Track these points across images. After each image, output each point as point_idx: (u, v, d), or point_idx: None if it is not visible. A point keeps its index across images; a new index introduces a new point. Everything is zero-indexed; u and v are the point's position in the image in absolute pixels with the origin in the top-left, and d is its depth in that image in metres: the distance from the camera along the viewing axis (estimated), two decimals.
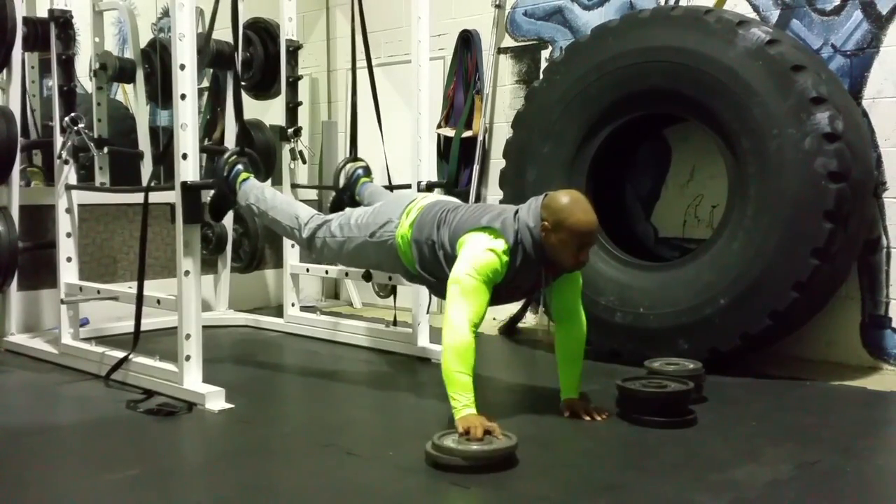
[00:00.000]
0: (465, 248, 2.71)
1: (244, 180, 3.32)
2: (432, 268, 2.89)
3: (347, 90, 5.37)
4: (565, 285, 2.86)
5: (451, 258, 2.77)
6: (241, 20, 4.40)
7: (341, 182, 3.79)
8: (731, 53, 3.37)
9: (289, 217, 3.25)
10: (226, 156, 3.35)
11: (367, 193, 3.66)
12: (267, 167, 4.69)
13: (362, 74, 4.06)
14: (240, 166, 3.34)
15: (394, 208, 3.05)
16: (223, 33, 4.18)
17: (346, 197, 3.75)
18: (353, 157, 3.92)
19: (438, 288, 2.92)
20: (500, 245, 2.66)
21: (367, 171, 3.80)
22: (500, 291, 2.70)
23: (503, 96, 4.70)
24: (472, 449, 2.30)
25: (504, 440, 2.36)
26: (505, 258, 2.65)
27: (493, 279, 2.64)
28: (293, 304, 4.37)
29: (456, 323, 2.57)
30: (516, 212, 2.74)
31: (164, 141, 4.73)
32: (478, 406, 2.50)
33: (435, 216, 2.90)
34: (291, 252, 4.35)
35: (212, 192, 3.39)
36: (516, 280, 2.72)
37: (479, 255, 2.65)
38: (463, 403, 2.49)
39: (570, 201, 2.67)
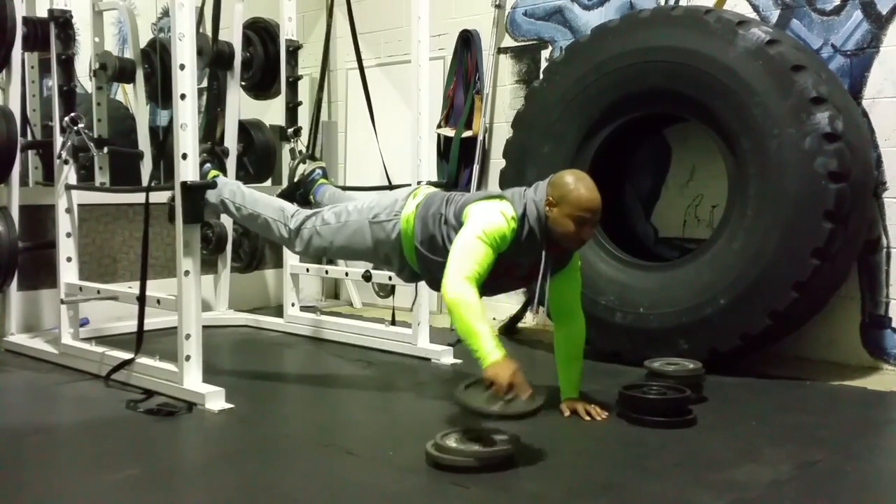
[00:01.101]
0: (473, 213, 2.72)
1: (213, 178, 3.31)
2: (432, 243, 2.85)
3: (347, 90, 5.38)
4: (565, 283, 2.87)
5: (455, 228, 2.77)
6: (242, 20, 4.43)
7: (296, 177, 3.73)
8: (731, 53, 3.37)
9: (274, 210, 3.20)
10: None
11: (328, 195, 3.58)
12: (267, 167, 4.69)
13: (354, 75, 4.06)
14: (208, 165, 3.34)
15: (400, 193, 3.06)
16: (223, 33, 4.19)
17: (298, 194, 3.67)
18: (312, 155, 3.89)
19: (434, 270, 2.85)
20: (510, 210, 2.69)
21: (326, 174, 3.74)
22: (500, 268, 2.69)
23: (503, 96, 4.70)
24: (473, 450, 2.30)
25: (529, 402, 2.33)
26: (513, 224, 2.67)
27: (499, 244, 2.66)
28: (293, 304, 4.37)
29: (455, 279, 2.57)
30: (525, 190, 2.78)
31: (161, 140, 4.73)
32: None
33: (444, 196, 2.93)
34: (292, 252, 4.34)
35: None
36: (518, 255, 2.72)
37: (487, 217, 2.67)
38: (487, 350, 2.45)
39: (575, 178, 2.73)
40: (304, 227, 3.13)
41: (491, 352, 2.46)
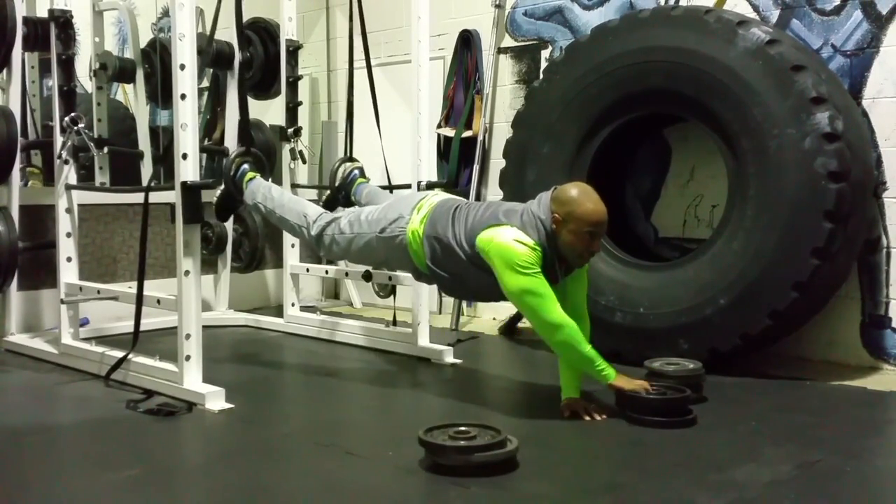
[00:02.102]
0: (496, 248, 2.72)
1: (250, 179, 3.35)
2: (447, 264, 2.90)
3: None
4: (572, 285, 2.89)
5: (469, 256, 2.81)
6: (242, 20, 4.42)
7: (337, 181, 3.80)
8: (731, 53, 3.37)
9: (297, 215, 3.27)
10: (232, 155, 3.39)
11: (365, 194, 3.67)
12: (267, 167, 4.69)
13: (360, 75, 4.06)
14: (246, 165, 3.37)
15: (404, 205, 3.08)
16: (223, 33, 4.18)
17: (341, 196, 3.75)
18: (350, 157, 3.93)
19: (450, 284, 2.96)
20: (525, 237, 2.71)
21: (363, 172, 3.81)
22: None
23: (503, 96, 4.70)
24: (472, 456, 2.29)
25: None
26: (539, 250, 2.70)
27: (540, 267, 2.69)
28: (293, 304, 4.37)
29: (550, 320, 2.68)
30: (530, 209, 2.78)
31: (164, 141, 4.73)
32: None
33: (448, 212, 2.93)
34: (291, 252, 4.35)
35: (216, 191, 3.40)
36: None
37: (516, 253, 2.68)
38: (608, 370, 2.75)
39: (580, 192, 2.73)
40: (324, 233, 3.20)
41: (611, 370, 2.76)
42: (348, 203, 3.70)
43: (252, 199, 3.34)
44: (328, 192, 3.86)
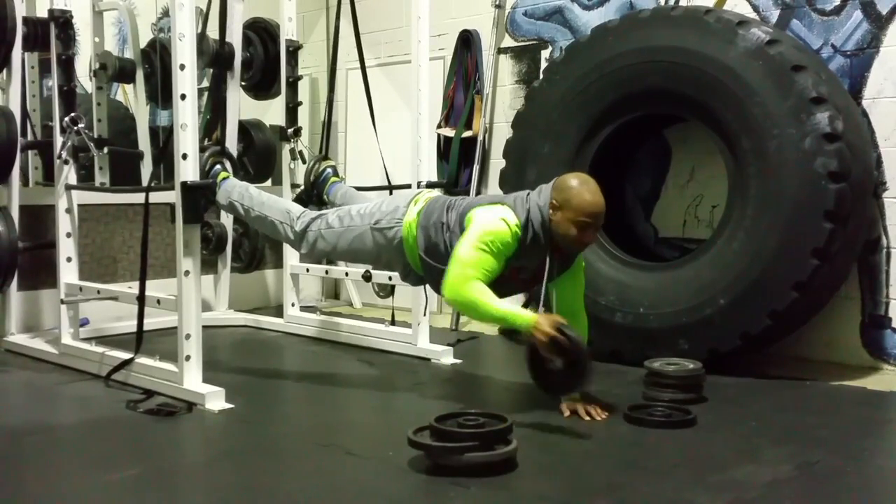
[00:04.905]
0: (475, 220, 2.75)
1: (224, 179, 3.32)
2: (436, 252, 2.88)
3: (347, 90, 5.38)
4: (569, 285, 2.89)
5: (458, 235, 2.80)
6: (242, 20, 4.42)
7: (311, 179, 3.76)
8: (731, 53, 3.37)
9: (279, 212, 3.23)
10: (205, 155, 3.33)
11: (340, 194, 3.62)
12: (267, 167, 4.70)
13: (355, 76, 4.06)
14: (219, 166, 3.34)
15: (400, 199, 3.08)
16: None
17: (313, 195, 3.71)
18: (325, 156, 3.90)
19: (438, 277, 2.89)
20: (512, 217, 2.71)
21: (336, 172, 3.78)
22: (504, 273, 2.73)
23: (503, 96, 4.70)
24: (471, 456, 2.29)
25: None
26: (516, 230, 2.70)
27: (501, 250, 2.69)
28: (293, 304, 4.37)
29: (452, 282, 2.69)
30: (528, 194, 2.81)
31: (164, 141, 4.73)
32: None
33: (444, 203, 2.95)
34: (291, 252, 4.34)
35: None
36: (522, 260, 2.75)
37: (489, 225, 2.70)
38: (522, 318, 2.64)
39: (579, 182, 2.75)
40: (309, 229, 3.15)
41: (525, 317, 2.64)
42: (321, 202, 3.66)
43: (227, 199, 3.27)
44: (301, 189, 3.82)
